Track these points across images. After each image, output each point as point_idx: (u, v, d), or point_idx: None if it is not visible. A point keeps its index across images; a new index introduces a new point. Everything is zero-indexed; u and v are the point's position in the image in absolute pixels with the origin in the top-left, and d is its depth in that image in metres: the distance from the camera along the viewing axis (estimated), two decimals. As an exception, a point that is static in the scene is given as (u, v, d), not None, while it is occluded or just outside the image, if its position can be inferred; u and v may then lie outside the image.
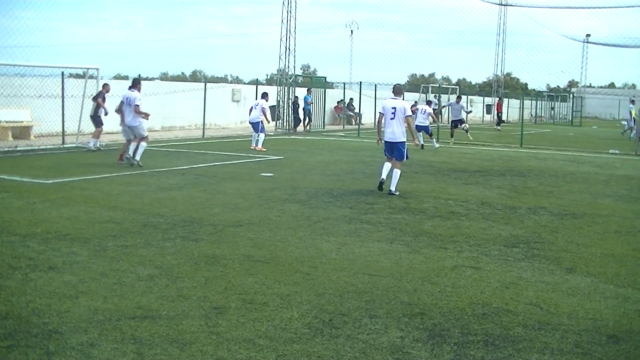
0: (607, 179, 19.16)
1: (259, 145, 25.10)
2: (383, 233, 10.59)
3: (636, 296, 7.74)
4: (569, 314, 6.96)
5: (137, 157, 18.48)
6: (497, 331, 6.35)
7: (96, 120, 23.67)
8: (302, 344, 5.83)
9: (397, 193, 14.32)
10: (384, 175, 14.75)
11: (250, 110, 26.23)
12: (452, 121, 32.80)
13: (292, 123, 38.32)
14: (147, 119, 18.99)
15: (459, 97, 35.72)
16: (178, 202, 12.82)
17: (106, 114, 23.59)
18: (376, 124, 17.68)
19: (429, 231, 10.86)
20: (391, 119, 14.82)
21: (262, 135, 25.51)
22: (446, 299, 7.29)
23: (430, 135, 29.03)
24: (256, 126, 25.49)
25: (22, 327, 6.01)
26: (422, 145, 27.47)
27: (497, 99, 55.76)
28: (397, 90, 15.53)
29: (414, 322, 6.53)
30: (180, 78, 69.51)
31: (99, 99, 23.60)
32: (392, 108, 14.87)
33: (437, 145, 28.53)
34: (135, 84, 19.08)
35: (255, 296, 7.14)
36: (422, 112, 28.74)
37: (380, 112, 15.25)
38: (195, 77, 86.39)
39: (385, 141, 15.00)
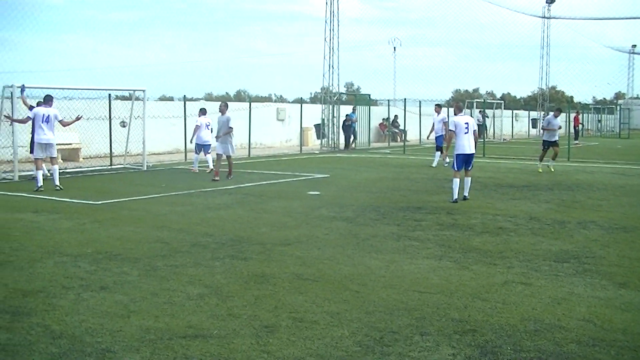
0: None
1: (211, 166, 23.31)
2: (431, 250, 10.53)
3: (693, 311, 7.58)
4: (623, 330, 6.84)
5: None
6: (550, 348, 6.27)
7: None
8: (353, 362, 5.81)
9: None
10: (457, 195, 16.00)
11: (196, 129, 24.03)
12: (545, 141, 25.55)
13: (344, 141, 38.35)
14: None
15: (558, 110, 26.38)
16: (226, 221, 12.89)
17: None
18: (445, 140, 18.97)
19: (477, 247, 10.77)
20: (465, 133, 16.00)
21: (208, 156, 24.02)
22: (497, 316, 7.22)
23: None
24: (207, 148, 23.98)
25: (76, 346, 6.08)
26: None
27: (575, 112, 52.19)
28: (460, 108, 17.09)
29: (465, 339, 6.47)
30: (225, 98, 69.99)
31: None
32: (465, 123, 16.08)
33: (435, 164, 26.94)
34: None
35: (306, 314, 7.14)
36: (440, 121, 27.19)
37: (451, 130, 16.31)
38: (239, 96, 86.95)
39: (463, 154, 16.12)
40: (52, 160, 18.43)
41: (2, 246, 10.43)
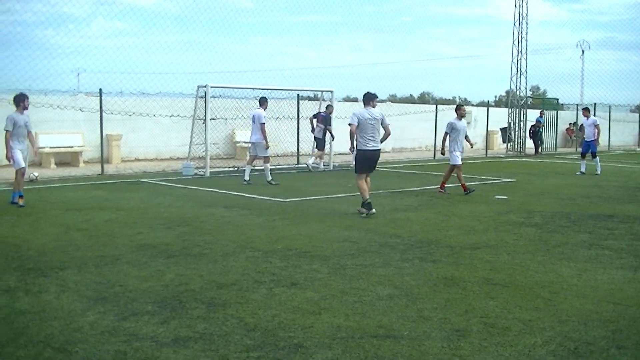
0: None
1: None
2: (625, 260, 9.99)
3: None
4: None
5: (268, 178, 19.32)
6: None
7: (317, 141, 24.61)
8: (549, 373, 5.56)
9: None
10: None
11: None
12: None
13: (534, 146, 37.43)
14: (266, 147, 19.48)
15: None
16: (413, 223, 12.79)
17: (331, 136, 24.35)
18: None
19: (680, 260, 10.13)
20: None
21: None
22: None
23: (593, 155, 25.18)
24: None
25: (270, 340, 6.15)
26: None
27: None
28: None
29: (667, 356, 6.06)
30: (409, 100, 69.85)
31: (314, 118, 24.57)
32: None
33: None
34: (262, 102, 19.82)
35: (497, 320, 6.92)
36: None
37: None
38: (423, 98, 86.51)
39: None
40: (264, 159, 19.63)
41: (197, 239, 10.78)
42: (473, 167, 26.93)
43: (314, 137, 24.71)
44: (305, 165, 24.45)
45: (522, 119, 37.65)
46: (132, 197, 15.76)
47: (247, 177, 19.27)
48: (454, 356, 5.86)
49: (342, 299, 7.55)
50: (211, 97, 22.25)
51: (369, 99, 13.91)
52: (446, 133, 17.87)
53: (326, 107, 25.07)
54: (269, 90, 25.74)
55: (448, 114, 35.49)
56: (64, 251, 9.79)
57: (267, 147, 19.32)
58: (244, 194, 16.55)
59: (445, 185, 18.08)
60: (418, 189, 18.60)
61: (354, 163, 14.58)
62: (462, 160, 18.17)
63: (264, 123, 19.13)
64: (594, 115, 35.05)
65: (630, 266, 9.61)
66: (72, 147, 23.89)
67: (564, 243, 11.14)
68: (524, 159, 33.51)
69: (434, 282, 8.41)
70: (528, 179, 22.44)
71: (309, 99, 31.13)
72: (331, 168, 24.65)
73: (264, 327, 6.51)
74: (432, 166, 26.74)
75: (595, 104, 39.41)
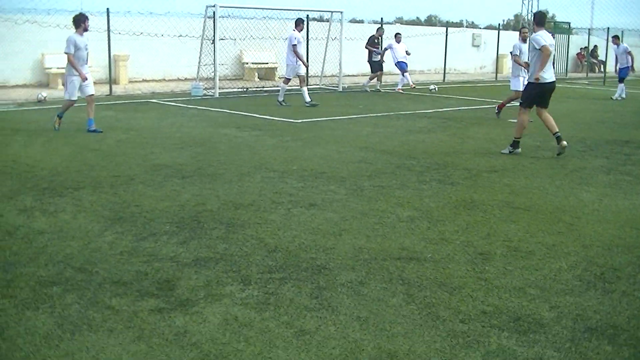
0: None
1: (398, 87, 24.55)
2: (647, 185, 9.86)
3: None
4: None
5: (280, 98, 19.16)
6: None
7: (372, 65, 24.48)
8: (575, 297, 5.46)
9: None
10: None
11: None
12: None
13: None
14: (304, 65, 19.34)
15: None
16: (428, 145, 12.64)
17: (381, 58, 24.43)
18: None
19: (701, 185, 9.99)
20: None
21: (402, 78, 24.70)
22: None
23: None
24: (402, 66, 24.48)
25: (292, 261, 6.07)
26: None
27: None
28: None
29: (697, 281, 5.96)
30: (415, 22, 68.96)
31: (368, 45, 24.47)
32: None
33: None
34: (297, 24, 19.36)
35: (520, 244, 6.82)
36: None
37: None
38: (430, 21, 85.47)
39: None
40: (284, 80, 19.53)
41: (211, 159, 10.66)
42: (485, 90, 26.66)
43: (373, 61, 24.63)
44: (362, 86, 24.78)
45: (532, 42, 37.07)
46: (142, 117, 15.59)
47: (280, 98, 19.18)
48: (479, 279, 5.77)
49: (362, 221, 7.45)
50: (220, 17, 21.87)
51: (544, 19, 12.20)
52: (515, 55, 16.93)
53: (377, 30, 25.25)
54: (278, 11, 25.36)
55: (457, 37, 35.15)
56: (78, 171, 9.67)
57: (306, 67, 19.40)
58: (254, 115, 16.36)
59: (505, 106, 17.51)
60: (430, 111, 18.37)
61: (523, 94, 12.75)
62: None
63: (295, 45, 18.78)
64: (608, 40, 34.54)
65: (651, 191, 9.48)
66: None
67: (582, 168, 10.99)
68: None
69: (454, 204, 8.30)
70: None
71: (318, 20, 30.65)
72: (340, 89, 24.35)
73: (284, 248, 6.42)
74: (442, 89, 26.41)
75: (608, 28, 38.64)
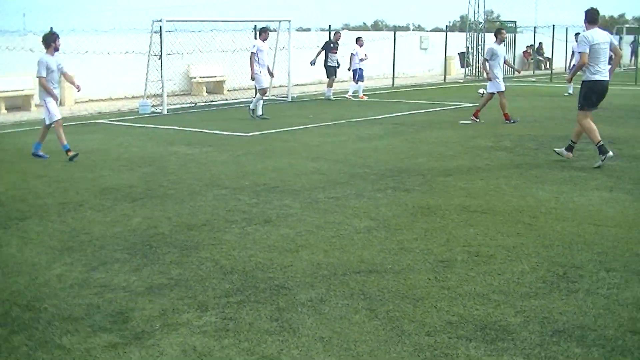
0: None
1: (349, 94, 24.49)
2: (600, 181, 9.85)
3: None
4: None
5: (252, 109, 18.43)
6: None
7: (327, 69, 24.42)
8: (539, 299, 5.40)
9: None
10: None
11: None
12: None
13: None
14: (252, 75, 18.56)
15: None
16: (381, 151, 12.52)
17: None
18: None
19: (650, 177, 10.03)
20: None
21: (357, 85, 24.60)
22: (690, 252, 6.59)
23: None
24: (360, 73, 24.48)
25: (249, 282, 5.88)
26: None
27: None
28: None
29: (658, 277, 5.91)
30: (363, 28, 69.18)
31: (324, 49, 24.49)
32: None
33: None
34: (260, 32, 19.02)
35: (480, 248, 6.72)
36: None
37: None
38: (377, 26, 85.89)
39: None
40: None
41: (161, 180, 10.41)
42: (434, 92, 26.71)
43: (328, 66, 24.50)
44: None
45: (479, 43, 37.34)
46: (90, 139, 15.24)
47: (259, 112, 18.48)
48: (442, 288, 5.65)
49: (318, 235, 7.30)
50: (166, 31, 21.59)
51: (596, 16, 11.27)
52: (486, 59, 17.00)
53: (334, 34, 25.33)
54: (225, 23, 25.16)
55: (405, 40, 35.26)
56: (23, 200, 9.34)
57: (252, 78, 18.66)
58: (204, 130, 16.10)
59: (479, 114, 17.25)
60: (381, 116, 18.28)
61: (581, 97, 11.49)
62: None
63: (252, 52, 18.35)
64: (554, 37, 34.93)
65: (605, 186, 9.48)
66: (23, 90, 23.08)
67: (537, 166, 10.98)
68: (482, 83, 33.23)
69: (411, 211, 8.19)
70: (490, 103, 22.14)
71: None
72: (290, 99, 24.18)
73: (241, 269, 6.23)
74: (391, 93, 26.43)
75: (553, 25, 39.04)
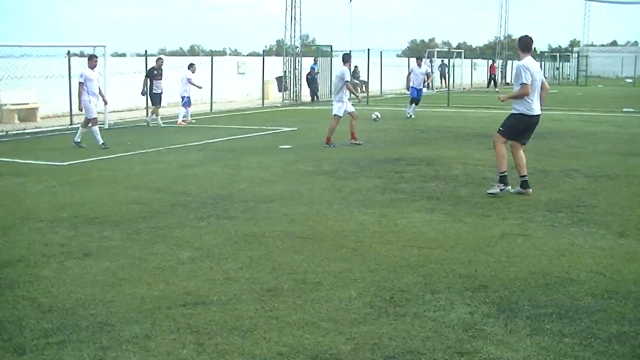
0: (631, 138, 18.81)
1: (179, 120, 24.33)
2: (421, 203, 10.21)
3: (700, 258, 7.38)
4: (634, 281, 6.63)
5: (99, 142, 17.32)
6: (567, 302, 6.01)
7: (152, 97, 24.01)
8: (368, 325, 5.48)
9: None
10: None
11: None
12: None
13: (310, 94, 37.69)
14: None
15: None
16: (202, 179, 12.42)
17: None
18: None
19: (466, 199, 10.50)
20: None
21: (185, 110, 24.64)
22: (504, 270, 6.93)
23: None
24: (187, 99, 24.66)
25: (69, 321, 5.65)
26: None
27: (491, 61, 56.31)
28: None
29: (478, 295, 6.18)
30: (179, 53, 68.82)
31: (147, 77, 23.99)
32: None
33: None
34: (89, 59, 18.32)
35: (307, 275, 6.78)
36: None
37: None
38: (193, 51, 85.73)
39: None
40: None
41: (-30, 213, 9.86)
42: (253, 117, 26.85)
43: (153, 93, 23.96)
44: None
45: (296, 67, 37.94)
46: None
47: (100, 140, 17.30)
48: (270, 318, 5.64)
49: (141, 267, 7.12)
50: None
51: (530, 45, 10.98)
52: (347, 81, 17.51)
53: (156, 61, 24.60)
54: (36, 48, 24.30)
55: (222, 65, 35.27)
56: None
57: (79, 109, 17.95)
58: (17, 160, 15.39)
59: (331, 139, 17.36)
60: (201, 142, 18.15)
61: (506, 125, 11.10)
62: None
63: (80, 82, 17.53)
64: (369, 60, 35.96)
65: (426, 208, 9.82)
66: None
67: (358, 190, 11.23)
68: (300, 107, 33.81)
69: (235, 240, 8.15)
70: (309, 127, 22.59)
71: (82, 55, 29.65)
72: (107, 127, 23.56)
73: (60, 307, 5.97)
74: (210, 119, 26.37)
75: (369, 49, 40.21)
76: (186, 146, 17.45)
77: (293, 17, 37.78)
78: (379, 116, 23.45)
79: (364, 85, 42.28)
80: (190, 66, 24.92)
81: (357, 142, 17.41)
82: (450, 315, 5.71)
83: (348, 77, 17.37)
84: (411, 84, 26.30)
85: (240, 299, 6.11)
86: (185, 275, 6.83)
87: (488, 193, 10.77)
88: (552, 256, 7.45)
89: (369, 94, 38.34)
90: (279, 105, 35.05)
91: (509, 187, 10.83)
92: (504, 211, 9.63)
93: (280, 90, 38.80)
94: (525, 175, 10.95)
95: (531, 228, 8.68)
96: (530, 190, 10.84)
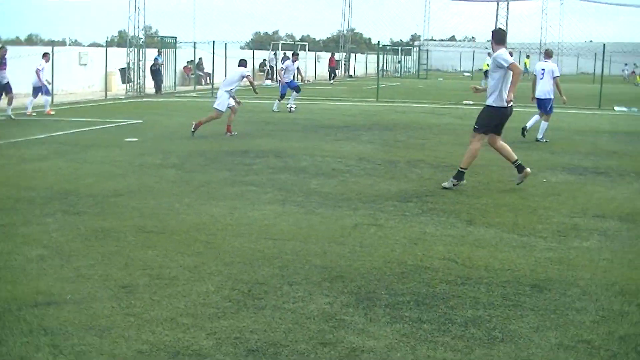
0: (472, 129, 19.48)
1: (47, 109, 23.85)
2: (271, 195, 10.26)
3: (541, 244, 7.79)
4: (485, 266, 6.90)
5: None
6: (423, 289, 6.19)
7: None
8: (228, 319, 5.44)
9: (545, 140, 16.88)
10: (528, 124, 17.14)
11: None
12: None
13: (155, 86, 37.01)
14: None
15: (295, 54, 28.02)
16: (46, 173, 11.98)
17: None
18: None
19: (317, 190, 10.62)
20: (540, 78, 16.83)
21: (47, 98, 24.27)
22: (360, 260, 7.06)
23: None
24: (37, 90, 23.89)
25: None
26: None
27: (330, 54, 58.04)
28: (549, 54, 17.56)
29: (336, 286, 6.26)
30: (16, 42, 65.91)
31: None
32: (542, 69, 16.88)
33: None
34: None
35: (161, 270, 6.67)
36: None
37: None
38: (31, 41, 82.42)
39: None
40: None
41: None
42: (96, 110, 26.14)
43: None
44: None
45: (140, 58, 37.20)
46: None
47: None
48: (128, 315, 5.51)
49: (-15, 267, 6.79)
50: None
51: (504, 37, 11.16)
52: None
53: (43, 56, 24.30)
54: None
55: (63, 56, 34.07)
56: None
57: None
58: None
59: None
60: (42, 136, 17.46)
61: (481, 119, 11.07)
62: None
63: None
64: (214, 53, 35.67)
65: (277, 200, 9.87)
66: None
67: (207, 182, 11.15)
68: (145, 99, 33.17)
69: (85, 236, 7.91)
70: (155, 120, 22.20)
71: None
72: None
73: None
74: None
75: (214, 41, 39.83)
76: (28, 140, 16.75)
77: (137, 7, 36.98)
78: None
79: (208, 77, 42.02)
80: (44, 55, 23.96)
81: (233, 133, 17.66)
82: (310, 306, 5.75)
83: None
84: (286, 80, 26.04)
85: (95, 297, 5.93)
86: (35, 274, 6.56)
87: (443, 187, 10.84)
88: (405, 245, 7.65)
89: (214, 86, 38.01)
90: (123, 97, 34.25)
91: (464, 182, 10.92)
92: (355, 202, 9.81)
93: (123, 82, 37.93)
94: (517, 160, 10.99)
95: (383, 218, 8.88)
96: (529, 170, 10.98)
